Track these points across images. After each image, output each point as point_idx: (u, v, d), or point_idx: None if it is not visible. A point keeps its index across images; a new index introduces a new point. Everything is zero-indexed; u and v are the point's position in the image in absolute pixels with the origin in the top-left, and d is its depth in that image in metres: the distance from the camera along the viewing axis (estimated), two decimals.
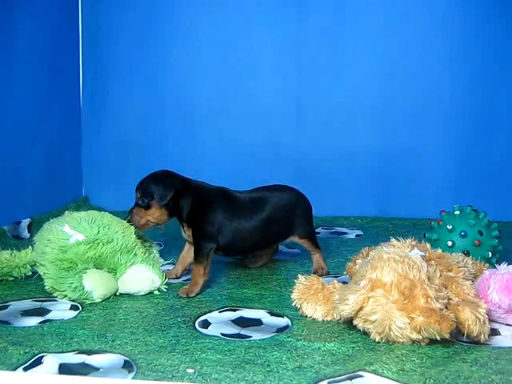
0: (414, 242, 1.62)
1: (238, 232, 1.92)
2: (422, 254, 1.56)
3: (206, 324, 1.58)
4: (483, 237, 1.94)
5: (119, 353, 1.38)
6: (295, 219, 2.02)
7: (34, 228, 2.40)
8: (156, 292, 1.81)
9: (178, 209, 1.89)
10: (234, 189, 2.01)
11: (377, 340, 1.45)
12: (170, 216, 1.90)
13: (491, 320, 1.53)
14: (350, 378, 1.27)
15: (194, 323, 1.58)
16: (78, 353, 1.39)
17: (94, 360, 1.35)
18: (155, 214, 1.88)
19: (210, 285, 1.90)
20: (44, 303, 1.72)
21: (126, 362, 1.34)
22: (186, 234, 1.92)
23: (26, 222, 2.45)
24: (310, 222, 2.08)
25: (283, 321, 1.60)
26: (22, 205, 2.46)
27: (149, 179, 1.90)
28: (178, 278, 1.97)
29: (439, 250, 1.67)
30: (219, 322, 1.59)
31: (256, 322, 1.59)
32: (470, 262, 1.72)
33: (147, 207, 1.87)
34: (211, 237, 1.87)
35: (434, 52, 2.78)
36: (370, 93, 2.83)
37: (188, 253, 1.96)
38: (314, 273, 1.98)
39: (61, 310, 1.66)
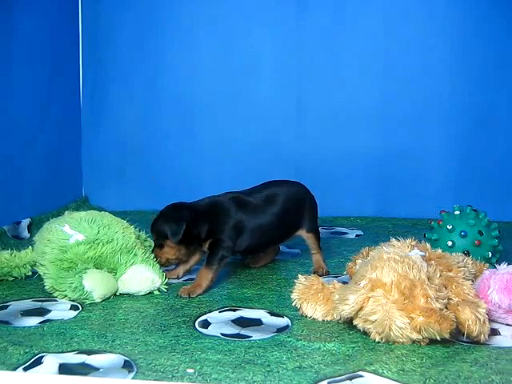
0: (414, 242, 1.62)
1: (255, 233, 1.93)
2: (422, 253, 1.56)
3: (206, 324, 1.58)
4: (483, 237, 1.94)
5: (119, 353, 1.38)
6: (303, 212, 2.04)
7: (34, 228, 2.40)
8: (156, 292, 1.81)
9: (194, 237, 1.87)
10: (235, 189, 2.01)
11: (377, 340, 1.45)
12: (189, 247, 1.89)
13: (491, 320, 1.53)
14: (350, 378, 1.27)
15: (194, 323, 1.58)
16: (78, 353, 1.39)
17: (94, 360, 1.35)
18: (172, 252, 1.87)
19: None
20: (44, 303, 1.72)
21: (125, 361, 1.34)
22: (205, 249, 1.90)
23: (26, 222, 2.45)
24: (316, 218, 2.10)
25: (283, 321, 1.60)
26: (22, 205, 2.46)
27: (159, 218, 1.88)
28: (178, 278, 1.97)
29: (439, 250, 1.67)
30: (219, 322, 1.59)
31: (256, 322, 1.59)
32: (470, 262, 1.72)
33: (162, 246, 1.87)
34: (228, 248, 1.87)
35: (433, 52, 2.78)
36: (370, 93, 2.83)
37: (193, 256, 1.96)
38: (314, 273, 1.99)
39: (61, 310, 1.66)
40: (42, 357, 1.35)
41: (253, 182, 2.10)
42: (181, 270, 1.97)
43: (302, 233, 2.05)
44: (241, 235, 1.90)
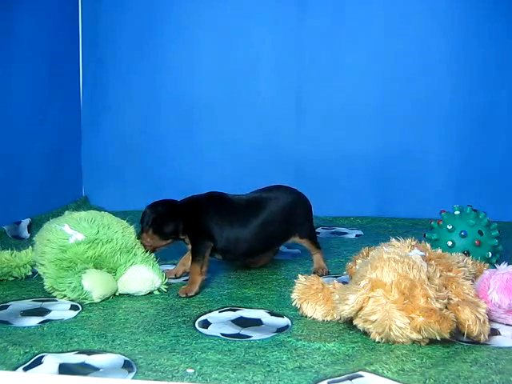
0: (414, 242, 1.62)
1: (235, 235, 1.91)
2: (422, 254, 1.56)
3: (205, 324, 1.58)
4: (483, 237, 1.94)
5: (119, 353, 1.38)
6: (295, 219, 2.01)
7: (34, 228, 2.40)
8: (156, 292, 1.81)
9: (172, 231, 1.91)
10: (232, 190, 2.01)
11: (377, 340, 1.45)
12: (164, 239, 1.93)
13: (491, 320, 1.53)
14: (350, 378, 1.27)
15: (194, 323, 1.58)
16: (78, 353, 1.39)
17: (93, 360, 1.35)
18: (147, 239, 1.92)
19: (209, 285, 1.90)
20: (44, 303, 1.72)
21: (125, 361, 1.34)
22: (186, 241, 1.93)
23: (26, 222, 2.45)
24: (310, 221, 2.07)
25: (283, 321, 1.60)
26: (22, 205, 2.47)
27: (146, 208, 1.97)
28: (177, 277, 1.97)
29: (439, 250, 1.67)
30: (219, 321, 1.59)
31: (256, 322, 1.59)
32: (470, 262, 1.72)
33: (141, 232, 1.94)
34: (207, 236, 1.88)
35: (434, 52, 2.78)
36: (370, 93, 2.83)
37: (190, 256, 1.97)
38: (314, 272, 1.98)
39: (61, 310, 1.66)
40: (42, 357, 1.35)
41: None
42: (180, 269, 1.98)
43: (296, 239, 2.03)
44: (217, 234, 1.89)
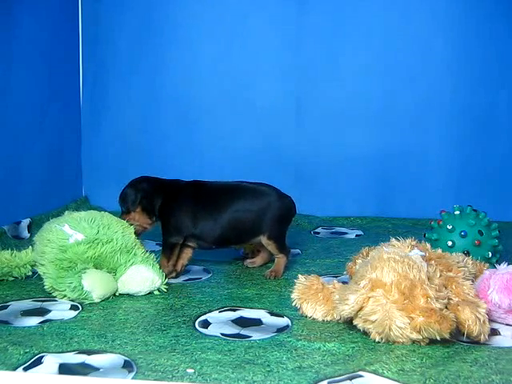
0: (414, 242, 1.62)
1: (210, 220, 1.95)
2: (422, 254, 1.56)
3: (206, 324, 1.58)
4: (483, 237, 1.95)
5: (119, 353, 1.38)
6: (266, 218, 1.97)
7: (34, 228, 2.40)
8: (156, 292, 1.81)
9: (153, 209, 1.99)
10: None
11: (377, 340, 1.45)
12: (152, 217, 2.00)
13: (491, 320, 1.53)
14: (350, 378, 1.27)
15: (194, 323, 1.58)
16: (78, 353, 1.39)
17: (93, 360, 1.35)
18: (135, 218, 1.98)
19: (209, 285, 1.90)
20: (44, 303, 1.72)
21: (125, 361, 1.34)
22: (158, 224, 2.00)
23: (25, 222, 2.45)
24: (282, 225, 2.01)
25: (283, 321, 1.60)
26: (22, 205, 2.47)
27: (125, 187, 2.02)
28: (178, 273, 1.98)
29: (439, 250, 1.67)
30: (219, 321, 1.59)
31: (256, 322, 1.59)
32: (470, 262, 1.72)
33: (127, 213, 2.00)
34: (177, 230, 1.95)
35: (434, 52, 2.78)
36: (370, 93, 2.83)
37: (182, 249, 1.99)
38: (270, 273, 1.98)
39: (61, 310, 1.66)
40: (42, 357, 1.35)
41: None
42: (178, 264, 1.99)
43: (264, 239, 1.98)
44: (193, 216, 1.94)
